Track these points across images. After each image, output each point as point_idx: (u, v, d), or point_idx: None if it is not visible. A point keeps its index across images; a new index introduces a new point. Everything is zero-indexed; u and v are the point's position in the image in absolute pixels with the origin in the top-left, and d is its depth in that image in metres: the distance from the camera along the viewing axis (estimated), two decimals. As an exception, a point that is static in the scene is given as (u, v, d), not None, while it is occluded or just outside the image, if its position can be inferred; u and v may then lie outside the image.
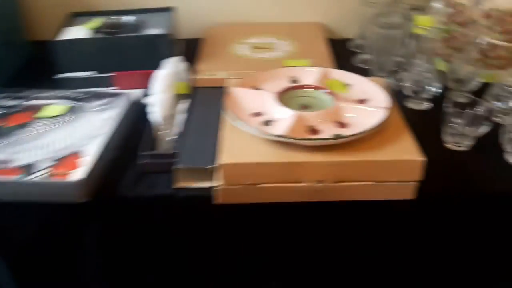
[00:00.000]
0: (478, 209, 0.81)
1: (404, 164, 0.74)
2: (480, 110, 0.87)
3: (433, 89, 0.97)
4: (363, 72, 1.03)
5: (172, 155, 0.77)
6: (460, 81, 0.99)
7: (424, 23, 0.93)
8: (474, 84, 0.99)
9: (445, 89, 0.99)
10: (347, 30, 1.27)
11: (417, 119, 0.94)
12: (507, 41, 1.01)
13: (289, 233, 0.80)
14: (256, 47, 1.12)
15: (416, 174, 0.74)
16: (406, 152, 0.75)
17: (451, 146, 0.88)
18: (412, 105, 0.99)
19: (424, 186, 0.76)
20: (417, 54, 0.97)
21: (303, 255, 0.83)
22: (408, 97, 0.99)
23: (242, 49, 1.11)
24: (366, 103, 0.86)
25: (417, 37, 0.96)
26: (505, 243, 0.83)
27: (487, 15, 1.00)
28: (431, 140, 0.88)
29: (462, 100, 0.91)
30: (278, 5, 1.26)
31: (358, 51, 1.17)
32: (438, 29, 0.91)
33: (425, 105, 0.99)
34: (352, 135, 0.75)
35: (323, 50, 1.11)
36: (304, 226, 0.80)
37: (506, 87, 0.92)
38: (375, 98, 0.86)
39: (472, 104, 0.88)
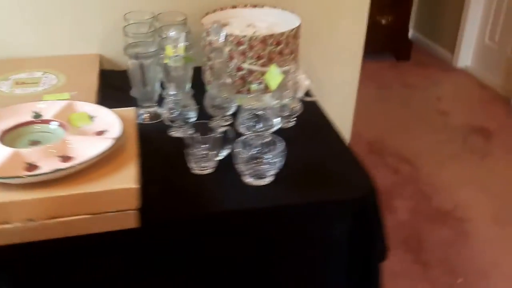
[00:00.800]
0: (218, 228, 0.83)
1: (119, 194, 0.73)
2: (223, 133, 0.90)
3: (191, 116, 1.00)
4: (133, 102, 1.03)
5: None
6: (217, 107, 1.03)
7: (170, 53, 0.95)
8: (230, 108, 1.03)
9: (204, 114, 1.03)
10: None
11: (173, 146, 0.96)
12: (260, 66, 1.08)
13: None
14: (19, 83, 1.07)
15: (133, 202, 0.74)
16: (122, 181, 0.74)
17: (195, 171, 0.90)
18: (173, 133, 1.01)
19: (158, 213, 0.77)
20: (172, 82, 0.99)
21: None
22: (169, 125, 1.00)
23: (1, 86, 1.05)
24: (102, 135, 0.85)
25: (168, 66, 0.98)
26: (244, 258, 0.87)
27: (239, 42, 1.06)
28: (180, 167, 0.90)
29: (214, 124, 0.94)
30: (53, 38, 1.24)
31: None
32: (180, 58, 0.94)
33: (184, 132, 1.00)
34: (56, 170, 0.72)
35: (90, 82, 1.10)
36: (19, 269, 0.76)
37: (251, 110, 0.98)
38: (114, 129, 0.86)
39: (218, 128, 0.91)
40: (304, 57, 1.45)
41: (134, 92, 1.04)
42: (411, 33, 3.86)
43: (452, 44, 3.40)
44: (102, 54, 1.27)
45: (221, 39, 0.98)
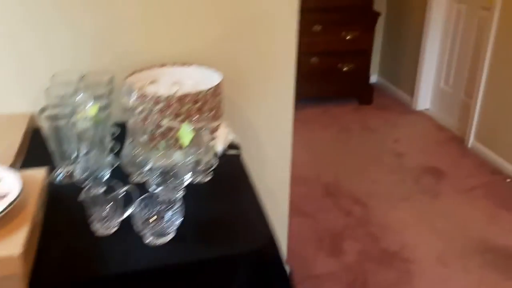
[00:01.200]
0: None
1: (2, 260, 0.74)
2: (127, 192, 0.92)
3: (103, 175, 1.02)
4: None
5: None
6: (133, 164, 1.06)
7: (80, 115, 0.99)
8: (145, 165, 1.06)
9: (122, 172, 1.05)
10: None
11: (81, 207, 0.97)
12: (178, 123, 1.12)
13: None
14: None
15: (18, 268, 0.75)
16: (7, 247, 0.75)
17: (99, 231, 0.91)
18: (83, 192, 1.03)
19: (51, 277, 0.78)
20: (84, 143, 1.02)
21: None
22: (84, 185, 1.02)
23: None
24: (4, 198, 0.87)
25: (81, 127, 1.01)
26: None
27: (157, 101, 1.10)
28: (85, 228, 0.91)
29: (120, 184, 0.96)
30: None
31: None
32: (89, 119, 0.98)
33: (92, 192, 1.02)
34: None
35: (12, 142, 1.12)
36: None
37: (161, 167, 1.01)
38: (15, 193, 0.87)
39: (122, 187, 0.93)
40: (238, 109, 1.51)
41: (52, 153, 1.06)
42: (375, 78, 4.00)
43: (411, 88, 3.52)
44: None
45: (132, 99, 1.03)
